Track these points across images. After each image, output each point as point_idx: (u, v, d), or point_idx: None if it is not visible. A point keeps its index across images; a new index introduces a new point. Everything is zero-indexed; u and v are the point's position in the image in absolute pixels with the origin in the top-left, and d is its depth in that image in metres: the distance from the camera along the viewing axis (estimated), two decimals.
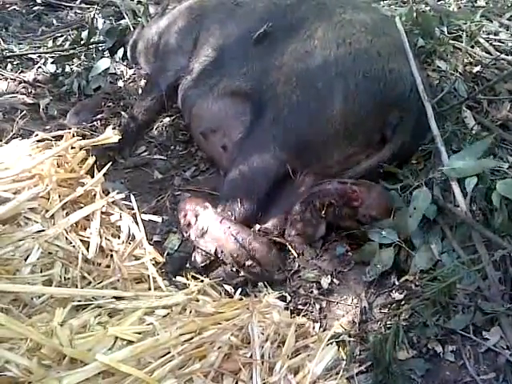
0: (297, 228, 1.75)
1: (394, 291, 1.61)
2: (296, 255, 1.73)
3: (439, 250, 1.63)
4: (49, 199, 1.51)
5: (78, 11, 3.71)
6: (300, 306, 1.59)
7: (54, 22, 3.62)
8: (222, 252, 1.67)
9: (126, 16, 3.19)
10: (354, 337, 1.46)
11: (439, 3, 2.87)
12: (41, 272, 1.37)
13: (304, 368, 1.19)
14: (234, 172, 1.86)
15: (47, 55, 3.06)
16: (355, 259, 1.70)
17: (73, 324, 1.18)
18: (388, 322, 1.48)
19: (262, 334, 1.22)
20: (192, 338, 1.18)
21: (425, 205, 1.65)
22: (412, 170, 1.90)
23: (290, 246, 1.74)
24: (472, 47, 2.36)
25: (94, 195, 1.59)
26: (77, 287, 1.36)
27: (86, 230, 1.51)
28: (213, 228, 1.69)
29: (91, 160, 1.67)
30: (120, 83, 2.79)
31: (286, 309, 1.48)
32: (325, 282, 1.67)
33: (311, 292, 1.65)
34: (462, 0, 2.93)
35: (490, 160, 1.74)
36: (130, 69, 2.89)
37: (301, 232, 1.75)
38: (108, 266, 1.46)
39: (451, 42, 2.38)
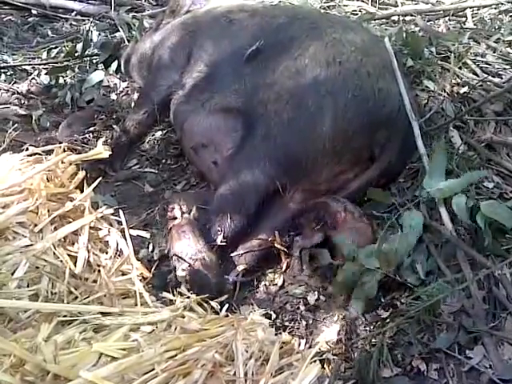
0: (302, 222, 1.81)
1: (379, 308, 1.62)
2: (284, 267, 1.75)
3: (425, 268, 1.65)
4: (38, 214, 1.52)
5: (74, 23, 3.71)
6: (286, 323, 1.60)
7: (49, 33, 3.62)
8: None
9: (120, 29, 3.22)
10: (338, 354, 1.47)
11: (429, 24, 2.93)
12: (28, 286, 1.37)
13: None
14: (224, 187, 1.87)
15: (41, 66, 3.07)
16: (335, 291, 1.68)
17: (57, 340, 1.17)
18: (373, 340, 1.49)
19: (247, 351, 1.23)
20: (176, 355, 1.18)
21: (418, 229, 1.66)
22: (399, 188, 1.93)
23: (282, 252, 1.75)
24: (460, 68, 2.40)
25: (83, 210, 1.59)
26: (63, 302, 1.36)
27: (74, 244, 1.52)
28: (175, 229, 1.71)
29: (81, 175, 1.68)
30: (113, 96, 2.80)
31: (271, 326, 1.48)
32: (311, 298, 1.68)
33: (298, 308, 1.65)
34: (451, 21, 3.00)
35: (475, 173, 1.77)
36: (123, 82, 2.90)
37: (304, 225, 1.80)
38: (95, 281, 1.46)
39: (440, 62, 2.42)
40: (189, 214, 1.76)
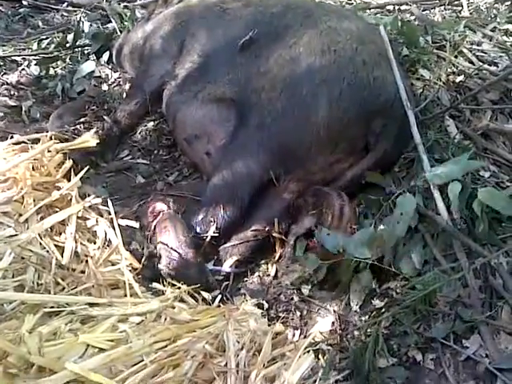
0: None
1: (375, 298, 1.60)
2: (277, 257, 1.72)
3: (420, 257, 1.62)
4: (23, 203, 1.48)
5: (65, 14, 3.69)
6: (280, 313, 1.58)
7: (40, 24, 3.60)
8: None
9: (112, 20, 3.18)
10: (333, 345, 1.44)
11: (424, 13, 2.90)
12: (13, 277, 1.34)
13: (280, 377, 1.17)
14: (217, 177, 1.84)
15: (31, 57, 3.03)
16: (331, 286, 1.65)
17: (42, 331, 1.14)
18: (368, 330, 1.47)
19: (238, 342, 1.20)
20: (166, 346, 1.16)
21: (411, 210, 1.63)
22: (394, 178, 1.91)
23: (277, 241, 1.73)
24: (455, 57, 2.37)
25: (70, 199, 1.56)
26: (50, 293, 1.32)
27: (61, 234, 1.48)
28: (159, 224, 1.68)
29: (68, 164, 1.64)
30: (104, 87, 2.76)
31: (264, 316, 1.46)
32: (305, 288, 1.65)
33: (292, 299, 1.63)
34: (447, 10, 2.97)
35: (473, 162, 1.74)
36: (114, 72, 2.87)
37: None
38: (83, 272, 1.43)
39: (435, 51, 2.40)
40: (169, 208, 1.73)
